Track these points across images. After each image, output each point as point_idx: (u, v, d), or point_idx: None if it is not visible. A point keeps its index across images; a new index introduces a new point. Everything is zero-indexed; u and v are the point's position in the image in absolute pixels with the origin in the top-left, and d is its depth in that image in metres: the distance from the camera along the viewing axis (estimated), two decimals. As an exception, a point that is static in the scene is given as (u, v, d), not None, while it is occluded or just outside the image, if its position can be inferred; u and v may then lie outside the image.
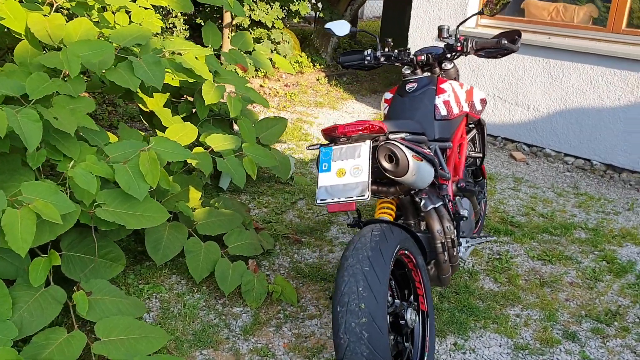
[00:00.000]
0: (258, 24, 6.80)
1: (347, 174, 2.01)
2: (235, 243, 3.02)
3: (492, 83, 5.53)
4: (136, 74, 2.47)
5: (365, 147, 2.03)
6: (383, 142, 2.07)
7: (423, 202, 2.37)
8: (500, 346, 2.59)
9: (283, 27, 6.83)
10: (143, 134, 3.16)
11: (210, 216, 3.07)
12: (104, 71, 2.45)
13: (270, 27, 6.67)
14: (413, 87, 2.76)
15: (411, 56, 2.92)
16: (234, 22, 6.07)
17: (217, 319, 2.68)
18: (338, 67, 7.68)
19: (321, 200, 2.05)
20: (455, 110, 2.74)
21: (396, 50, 2.96)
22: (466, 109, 2.80)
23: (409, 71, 2.98)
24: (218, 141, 3.12)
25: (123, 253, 2.59)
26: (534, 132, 5.36)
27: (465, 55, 2.84)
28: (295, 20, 7.07)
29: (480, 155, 3.16)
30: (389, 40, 3.04)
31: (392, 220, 2.37)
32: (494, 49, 2.77)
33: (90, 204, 2.23)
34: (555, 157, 5.22)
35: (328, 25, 3.07)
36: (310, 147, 2.22)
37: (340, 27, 3.06)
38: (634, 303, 2.95)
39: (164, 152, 2.34)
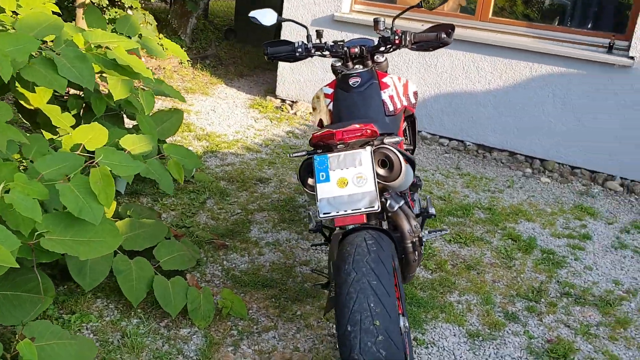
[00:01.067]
0: (112, 3, 6.19)
1: (350, 183, 1.88)
2: (166, 257, 2.72)
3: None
4: (60, 73, 2.07)
5: (366, 154, 1.91)
6: (377, 147, 1.97)
7: (389, 202, 2.30)
8: (455, 336, 2.66)
9: (140, 7, 6.29)
10: (29, 134, 2.69)
11: (132, 228, 2.72)
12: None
13: (127, 7, 6.10)
14: (357, 81, 2.67)
15: (345, 48, 2.82)
16: (87, 1, 5.46)
17: (167, 345, 2.39)
18: (200, 50, 7.30)
19: (325, 213, 1.89)
20: (398, 105, 2.71)
21: (328, 42, 2.85)
22: (405, 102, 2.79)
23: (339, 64, 2.89)
24: (133, 143, 2.76)
25: (52, 283, 2.20)
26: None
27: (400, 48, 2.81)
28: (152, 0, 6.55)
29: (412, 147, 3.19)
30: (321, 30, 2.91)
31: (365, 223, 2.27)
32: (431, 42, 2.78)
33: (30, 234, 1.84)
34: (432, 140, 5.49)
35: (253, 13, 2.85)
36: (295, 155, 2.04)
37: (267, 16, 2.86)
38: (550, 278, 3.21)
39: (114, 165, 2.00)
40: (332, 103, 2.68)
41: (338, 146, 1.95)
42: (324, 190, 1.89)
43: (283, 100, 6.07)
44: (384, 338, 1.75)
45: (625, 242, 3.74)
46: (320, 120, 2.92)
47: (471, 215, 3.92)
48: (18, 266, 1.57)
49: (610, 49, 4.73)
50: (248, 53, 7.81)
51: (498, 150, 5.24)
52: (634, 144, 4.71)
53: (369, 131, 1.92)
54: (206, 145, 4.66)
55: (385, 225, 2.49)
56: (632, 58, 4.57)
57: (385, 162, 1.99)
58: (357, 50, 2.83)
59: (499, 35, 5.11)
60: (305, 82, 5.89)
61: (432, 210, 2.44)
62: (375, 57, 2.87)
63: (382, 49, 2.85)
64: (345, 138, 1.91)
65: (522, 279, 3.18)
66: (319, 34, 2.92)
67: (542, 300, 2.98)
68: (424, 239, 2.65)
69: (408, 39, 2.74)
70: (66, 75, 2.08)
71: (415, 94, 2.93)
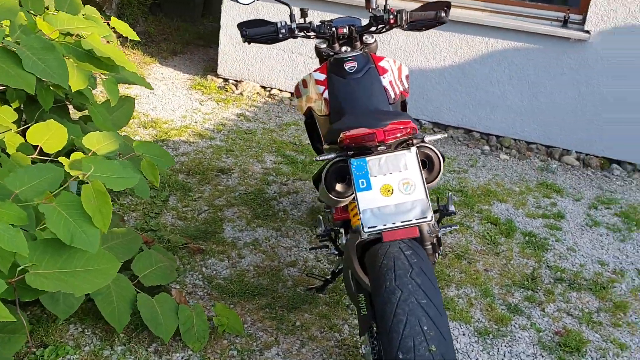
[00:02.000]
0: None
1: (396, 190, 1.64)
2: (146, 270, 2.39)
3: (297, 41, 5.34)
4: (25, 67, 1.68)
5: (411, 156, 1.67)
6: (419, 146, 1.73)
7: None
8: (465, 335, 2.52)
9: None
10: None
11: (104, 240, 2.37)
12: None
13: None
14: (354, 66, 2.42)
15: (332, 28, 2.56)
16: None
17: (161, 376, 2.10)
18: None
19: (370, 227, 1.65)
20: (397, 91, 2.49)
21: (315, 22, 2.57)
22: (401, 87, 2.57)
23: (324, 45, 2.63)
24: (97, 141, 2.38)
25: (23, 320, 1.83)
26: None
27: (393, 29, 2.58)
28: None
29: None
30: (305, 9, 2.63)
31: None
32: (429, 20, 2.56)
33: (10, 269, 1.48)
34: (386, 118, 5.33)
35: (230, -9, 2.52)
36: (321, 158, 1.77)
37: (245, -6, 2.54)
38: (539, 263, 3.15)
39: (106, 179, 1.65)
40: (327, 91, 2.42)
41: (379, 148, 1.70)
42: (366, 200, 1.64)
43: (226, 80, 5.69)
44: (442, 365, 1.56)
45: (596, 219, 3.74)
46: (309, 109, 2.65)
47: (442, 197, 3.79)
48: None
49: (565, 23, 4.71)
50: (178, 29, 7.28)
51: (453, 127, 5.16)
52: (588, 118, 4.76)
53: (409, 129, 1.69)
54: (154, 134, 4.25)
55: None
56: (587, 32, 4.57)
57: (425, 162, 1.77)
58: (345, 30, 2.58)
59: (454, 9, 4.97)
60: (250, 59, 5.53)
61: (452, 208, 2.24)
62: (364, 38, 2.63)
63: (373, 29, 2.61)
64: (387, 139, 1.66)
65: (512, 265, 3.09)
66: (304, 13, 2.64)
67: (539, 288, 2.91)
68: (441, 238, 2.47)
69: (404, 18, 2.51)
70: (32, 70, 1.69)
71: (408, 77, 2.72)
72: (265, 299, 2.58)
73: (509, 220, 3.59)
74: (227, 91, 5.47)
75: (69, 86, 2.12)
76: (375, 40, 2.65)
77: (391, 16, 2.51)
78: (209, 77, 5.70)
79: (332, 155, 1.74)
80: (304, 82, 2.66)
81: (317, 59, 2.80)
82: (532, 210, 3.80)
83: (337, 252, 2.36)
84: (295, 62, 5.42)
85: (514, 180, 4.29)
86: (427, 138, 1.76)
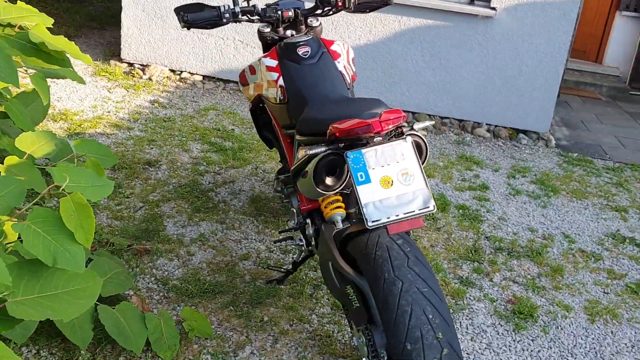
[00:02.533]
0: None
1: (396, 181, 1.61)
2: (101, 279, 2.20)
3: (232, 27, 5.18)
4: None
5: (407, 145, 1.65)
6: (408, 134, 1.71)
7: None
8: (427, 312, 2.58)
9: None
10: None
11: (50, 252, 2.15)
12: None
13: None
14: (307, 51, 2.36)
15: (278, 12, 2.48)
16: None
17: (136, 392, 1.96)
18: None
19: (374, 221, 1.61)
20: (350, 75, 2.46)
21: (258, 5, 2.47)
22: (352, 71, 2.54)
23: (268, 29, 2.54)
24: (32, 142, 2.15)
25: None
26: (279, 75, 5.28)
27: (339, 11, 2.53)
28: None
29: None
30: (250, -10, 2.51)
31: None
32: (377, 2, 2.54)
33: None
34: (303, 99, 5.29)
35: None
36: (312, 152, 1.69)
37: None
38: (477, 234, 3.29)
39: (81, 188, 1.48)
40: (281, 77, 2.33)
41: (375, 139, 1.66)
42: (367, 193, 1.60)
43: (131, 65, 5.36)
44: (449, 351, 1.58)
45: (517, 188, 3.97)
46: (259, 96, 2.56)
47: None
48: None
49: (472, 0, 4.89)
50: (68, 10, 6.75)
51: (370, 105, 5.22)
52: (495, 91, 5.01)
53: (401, 118, 1.66)
54: (66, 127, 3.92)
55: None
56: (493, 9, 4.79)
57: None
58: (291, 13, 2.51)
59: (365, -12, 4.99)
60: (157, 42, 5.24)
61: None
62: (308, 21, 2.57)
63: (319, 11, 2.55)
64: (383, 129, 1.63)
65: (454, 239, 3.20)
66: (248, -4, 2.52)
67: (483, 259, 3.04)
68: None
69: (353, 0, 2.48)
70: None
71: (354, 60, 2.70)
72: (227, 297, 2.49)
73: (441, 195, 3.71)
74: (134, 76, 5.17)
75: None
76: (320, 23, 2.60)
77: (339, -2, 2.47)
78: (112, 62, 5.35)
79: (323, 149, 1.68)
80: (252, 69, 2.55)
81: (238, 42, 2.70)
82: (459, 183, 3.96)
83: (303, 244, 2.31)
84: (206, 44, 5.22)
85: (436, 155, 4.44)
86: (416, 126, 1.75)
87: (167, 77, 5.23)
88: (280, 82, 2.32)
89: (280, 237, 2.53)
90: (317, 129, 1.83)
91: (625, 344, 2.50)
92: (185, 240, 2.87)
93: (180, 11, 2.45)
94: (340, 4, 2.48)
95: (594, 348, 2.45)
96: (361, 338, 1.84)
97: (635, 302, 2.80)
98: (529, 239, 3.31)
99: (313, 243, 2.27)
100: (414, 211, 1.61)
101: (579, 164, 4.66)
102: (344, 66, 2.41)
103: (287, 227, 2.79)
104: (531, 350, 2.40)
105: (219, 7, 2.41)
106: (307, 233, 2.25)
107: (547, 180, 4.16)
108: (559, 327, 2.56)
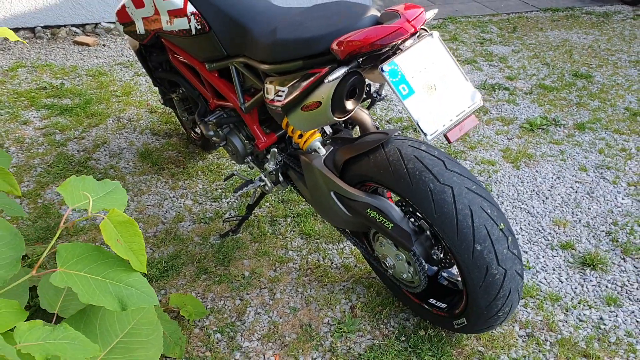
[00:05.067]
0: None
1: (439, 84, 1.44)
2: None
3: (1, -40, 4.23)
4: None
5: (435, 41, 1.47)
6: (422, 28, 1.51)
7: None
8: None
9: None
10: None
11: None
12: None
13: None
14: None
15: None
16: None
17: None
18: None
19: (433, 133, 1.44)
20: None
21: None
22: None
23: None
24: None
25: None
26: (79, 8, 4.54)
27: None
28: None
29: None
30: None
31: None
32: None
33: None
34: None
35: None
36: (331, 79, 1.42)
37: None
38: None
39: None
40: (189, 3, 1.94)
41: (406, 43, 1.44)
42: (416, 107, 1.42)
43: None
44: (512, 237, 1.58)
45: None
46: (153, 33, 2.14)
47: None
48: None
49: None
50: None
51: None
52: None
53: (423, 11, 1.46)
54: None
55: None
56: None
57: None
58: None
59: None
60: None
61: (384, 92, 2.09)
62: None
63: None
64: (417, 29, 1.41)
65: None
66: None
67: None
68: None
69: None
70: None
71: None
72: (192, 267, 2.20)
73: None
74: None
75: None
76: None
77: None
78: None
79: (343, 71, 1.43)
80: (137, 2, 2.09)
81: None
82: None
83: (266, 183, 2.08)
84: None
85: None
86: (427, 16, 1.55)
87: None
88: (191, 9, 1.94)
89: (235, 183, 2.26)
90: (303, 52, 1.56)
91: (552, 177, 2.76)
92: (98, 224, 2.43)
93: None
94: None
95: (534, 190, 2.66)
96: (400, 256, 1.75)
97: (535, 139, 3.08)
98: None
99: (281, 179, 2.06)
100: (464, 110, 1.49)
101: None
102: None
103: (233, 171, 2.50)
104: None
105: None
106: (268, 171, 2.02)
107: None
108: (498, 182, 2.72)
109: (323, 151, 1.82)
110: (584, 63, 4.10)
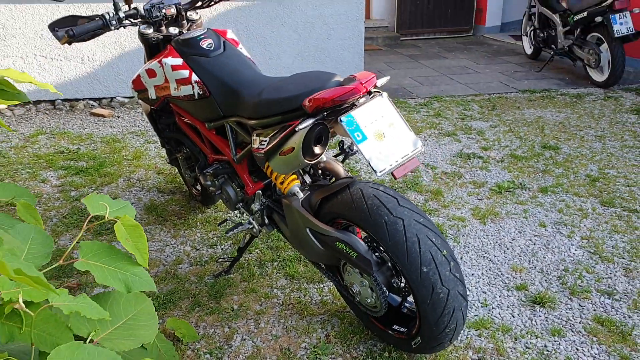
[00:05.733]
0: None
1: (386, 133, 1.80)
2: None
3: (31, 43, 4.76)
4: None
5: (384, 100, 1.84)
6: (375, 91, 1.90)
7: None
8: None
9: None
10: None
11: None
12: None
13: None
14: (211, 43, 2.41)
15: (163, 11, 2.48)
16: None
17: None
18: None
19: (382, 170, 1.79)
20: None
21: (140, 6, 2.45)
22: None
23: (150, 31, 2.53)
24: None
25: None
26: (97, 84, 5.03)
27: (220, 2, 2.57)
28: None
29: None
30: (129, -4, 2.45)
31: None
32: None
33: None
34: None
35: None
36: (301, 128, 1.79)
37: (59, -11, 2.26)
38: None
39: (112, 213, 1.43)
40: (193, 74, 2.35)
41: (359, 100, 1.81)
42: (368, 149, 1.77)
43: None
44: (454, 263, 1.88)
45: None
46: (163, 99, 2.54)
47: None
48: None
49: (272, -23, 5.16)
50: None
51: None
52: (311, 58, 5.39)
53: (375, 77, 1.85)
54: None
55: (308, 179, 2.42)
56: (294, -17, 5.11)
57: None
58: (173, 10, 2.53)
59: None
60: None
61: (355, 148, 2.46)
62: (188, 15, 2.60)
63: (200, 4, 2.60)
64: (367, 90, 1.79)
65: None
66: (128, 0, 2.46)
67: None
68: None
69: (228, -11, 2.57)
70: None
71: None
72: (187, 301, 2.48)
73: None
74: None
75: None
76: (200, 16, 2.64)
77: (217, -11, 2.54)
78: None
79: (310, 122, 1.80)
80: (150, 72, 2.51)
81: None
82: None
83: (254, 226, 2.40)
84: (2, 66, 4.72)
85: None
86: (379, 83, 1.94)
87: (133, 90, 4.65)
88: (195, 77, 2.34)
89: (228, 226, 2.58)
90: (281, 108, 1.94)
91: (514, 232, 3.07)
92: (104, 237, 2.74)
93: (55, 27, 2.31)
94: (218, -6, 2.55)
95: (496, 242, 2.97)
96: (364, 282, 2.05)
97: (502, 200, 3.41)
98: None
99: (266, 221, 2.38)
100: (408, 154, 1.84)
101: (398, 106, 5.29)
102: (246, 51, 2.51)
103: (228, 217, 2.83)
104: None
105: (102, 15, 2.33)
106: (255, 214, 2.35)
107: (385, 125, 4.67)
108: (465, 235, 3.03)
109: (301, 195, 2.16)
110: (553, 137, 4.50)
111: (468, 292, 2.53)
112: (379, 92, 1.88)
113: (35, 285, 1.04)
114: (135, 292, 1.51)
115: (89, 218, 1.46)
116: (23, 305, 1.18)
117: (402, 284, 2.03)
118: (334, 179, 2.27)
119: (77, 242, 1.39)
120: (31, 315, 1.21)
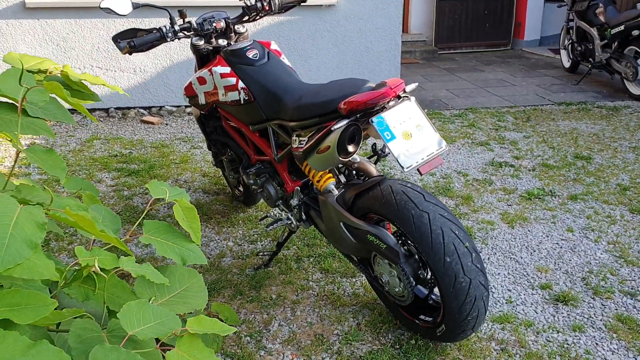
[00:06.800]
0: None
1: (413, 133, 1.99)
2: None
3: (88, 54, 5.11)
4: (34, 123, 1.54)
5: (412, 103, 2.03)
6: (404, 95, 2.09)
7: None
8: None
9: None
10: None
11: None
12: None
13: None
14: (256, 54, 2.63)
15: (213, 24, 2.72)
16: None
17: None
18: None
19: (408, 167, 1.97)
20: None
21: (193, 20, 2.69)
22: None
23: (201, 42, 2.77)
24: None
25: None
26: (147, 94, 5.34)
27: (267, 15, 2.81)
28: None
29: None
30: (184, 9, 2.70)
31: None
32: (292, 2, 2.88)
33: None
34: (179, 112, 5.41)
35: (105, 4, 2.48)
36: (336, 127, 1.99)
37: (121, 4, 2.52)
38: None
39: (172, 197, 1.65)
40: (240, 81, 2.58)
41: (389, 104, 2.01)
42: (396, 147, 1.96)
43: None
44: (476, 254, 2.03)
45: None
46: (212, 104, 2.78)
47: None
48: None
49: (314, -7, 5.40)
50: None
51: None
52: (348, 70, 5.59)
53: (403, 83, 2.05)
54: None
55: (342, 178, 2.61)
56: (334, -2, 5.34)
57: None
58: (222, 24, 2.76)
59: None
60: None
61: (387, 150, 2.64)
62: (236, 28, 2.83)
63: (246, 18, 2.83)
64: (396, 94, 1.98)
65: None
66: (183, 14, 2.71)
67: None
68: None
69: (277, 2, 2.79)
70: (37, 125, 1.55)
71: None
72: (230, 290, 2.69)
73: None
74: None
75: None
76: (247, 29, 2.87)
77: (265, 3, 2.77)
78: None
79: (345, 122, 1.99)
80: (201, 80, 2.75)
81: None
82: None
83: (292, 221, 2.60)
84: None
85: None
86: (408, 88, 2.13)
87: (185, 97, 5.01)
88: (241, 84, 2.57)
89: (268, 222, 2.78)
90: (319, 111, 2.15)
91: (541, 236, 3.18)
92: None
93: (117, 39, 2.57)
94: (267, 7, 2.78)
95: (524, 244, 3.09)
96: (392, 272, 2.22)
97: (532, 206, 3.53)
98: (433, 181, 3.91)
99: (304, 217, 2.58)
100: (433, 152, 2.02)
101: (433, 116, 5.44)
102: (288, 61, 2.73)
103: (269, 213, 3.03)
104: (483, 259, 2.96)
105: (159, 28, 2.58)
106: (294, 210, 2.55)
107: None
108: (493, 237, 3.16)
109: (336, 192, 2.34)
110: (587, 147, 4.58)
111: (492, 289, 2.66)
112: (407, 96, 2.06)
113: (116, 243, 1.25)
114: (188, 268, 1.72)
115: (152, 200, 1.69)
116: (98, 268, 1.39)
117: (428, 276, 2.19)
118: (366, 179, 2.46)
119: (140, 221, 1.61)
120: (104, 279, 1.42)
